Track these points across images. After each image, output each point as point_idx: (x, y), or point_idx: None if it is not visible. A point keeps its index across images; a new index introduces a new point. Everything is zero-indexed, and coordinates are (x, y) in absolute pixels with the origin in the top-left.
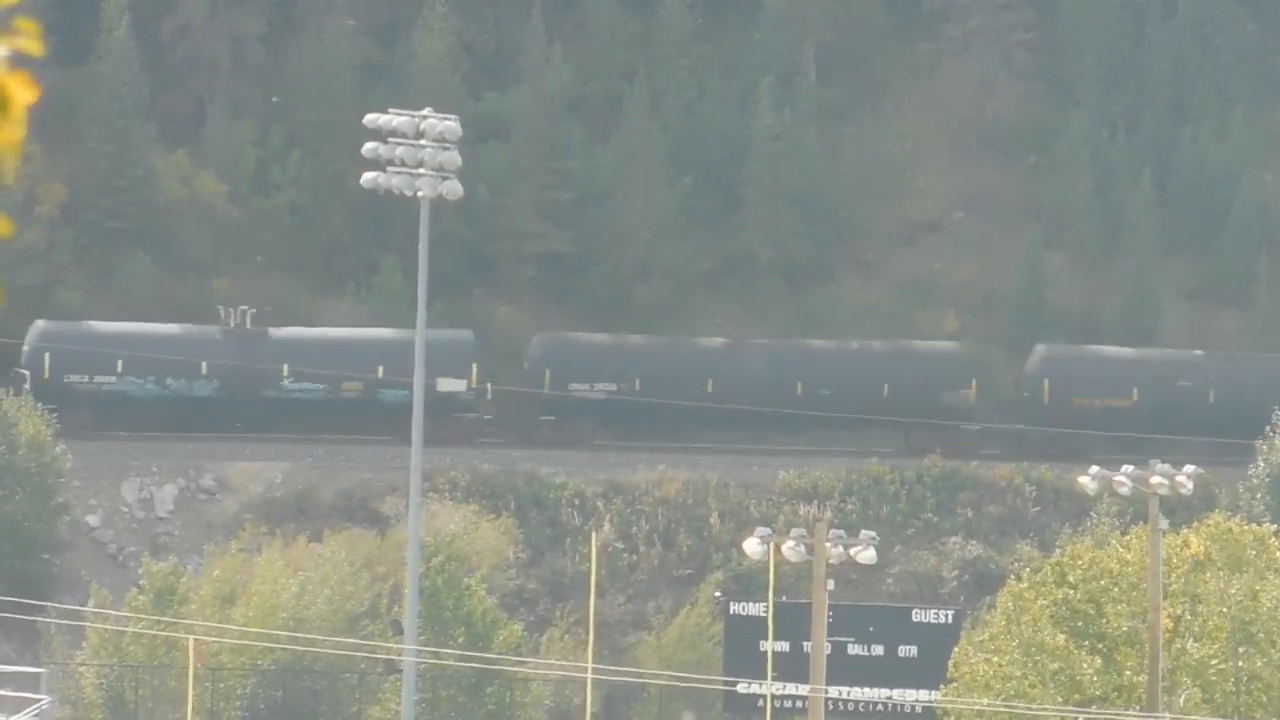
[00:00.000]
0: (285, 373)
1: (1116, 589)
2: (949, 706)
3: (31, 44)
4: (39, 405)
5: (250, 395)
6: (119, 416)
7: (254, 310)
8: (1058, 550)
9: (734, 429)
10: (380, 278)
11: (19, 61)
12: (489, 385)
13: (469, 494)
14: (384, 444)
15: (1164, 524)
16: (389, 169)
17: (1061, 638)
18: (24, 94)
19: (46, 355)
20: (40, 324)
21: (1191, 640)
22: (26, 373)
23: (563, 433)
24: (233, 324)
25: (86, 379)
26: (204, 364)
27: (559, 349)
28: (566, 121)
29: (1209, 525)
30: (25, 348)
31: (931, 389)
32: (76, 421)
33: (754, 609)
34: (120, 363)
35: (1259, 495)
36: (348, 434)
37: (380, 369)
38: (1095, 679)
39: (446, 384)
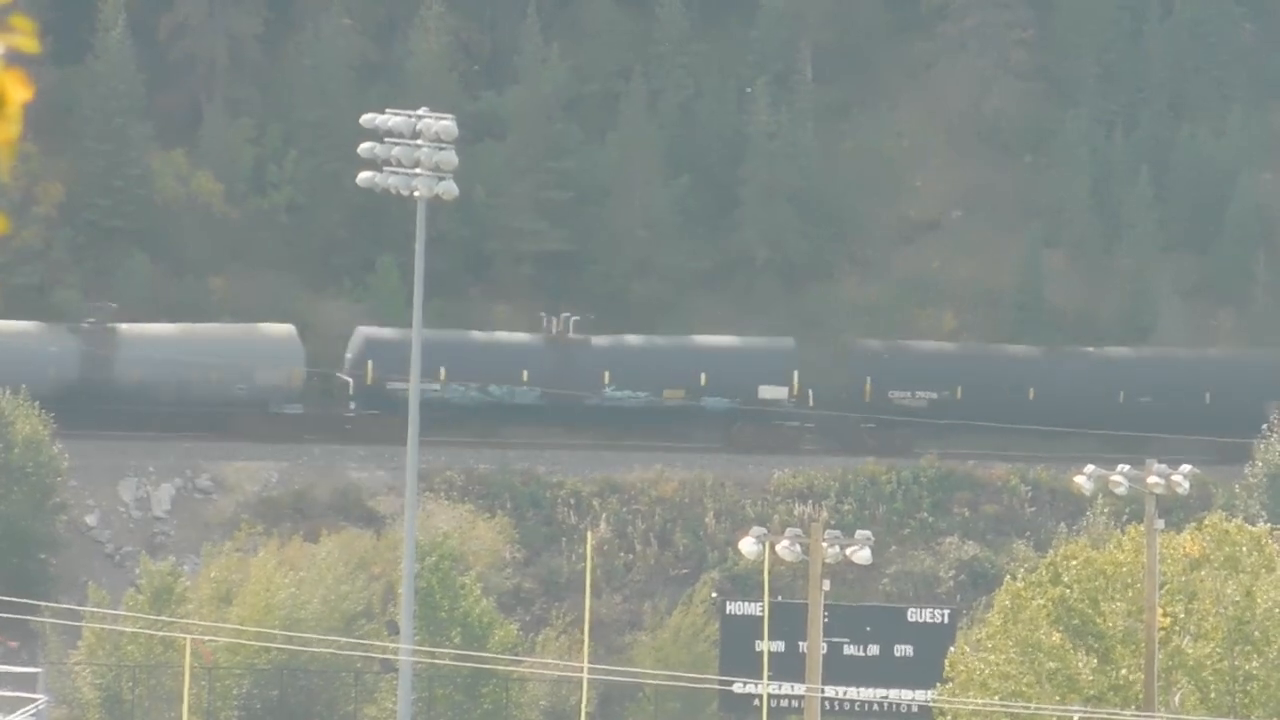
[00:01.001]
0: (607, 380)
1: (1113, 588)
2: (945, 706)
3: (27, 41)
4: (372, 411)
5: (572, 402)
6: (441, 423)
7: (576, 317)
8: (1051, 550)
9: (1055, 438)
10: (377, 277)
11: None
12: (810, 392)
13: (465, 493)
14: (382, 443)
15: (1160, 524)
16: (385, 168)
17: (1058, 637)
18: (19, 92)
19: (369, 362)
20: (363, 330)
21: (1188, 639)
22: (350, 380)
23: (883, 441)
24: (554, 331)
25: (407, 385)
26: (525, 371)
27: (882, 357)
28: (563, 120)
29: (1206, 525)
30: (348, 355)
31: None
32: (401, 429)
33: (750, 609)
34: (443, 370)
35: (1255, 495)
36: (670, 441)
37: (702, 376)
38: (1091, 678)
39: (768, 391)
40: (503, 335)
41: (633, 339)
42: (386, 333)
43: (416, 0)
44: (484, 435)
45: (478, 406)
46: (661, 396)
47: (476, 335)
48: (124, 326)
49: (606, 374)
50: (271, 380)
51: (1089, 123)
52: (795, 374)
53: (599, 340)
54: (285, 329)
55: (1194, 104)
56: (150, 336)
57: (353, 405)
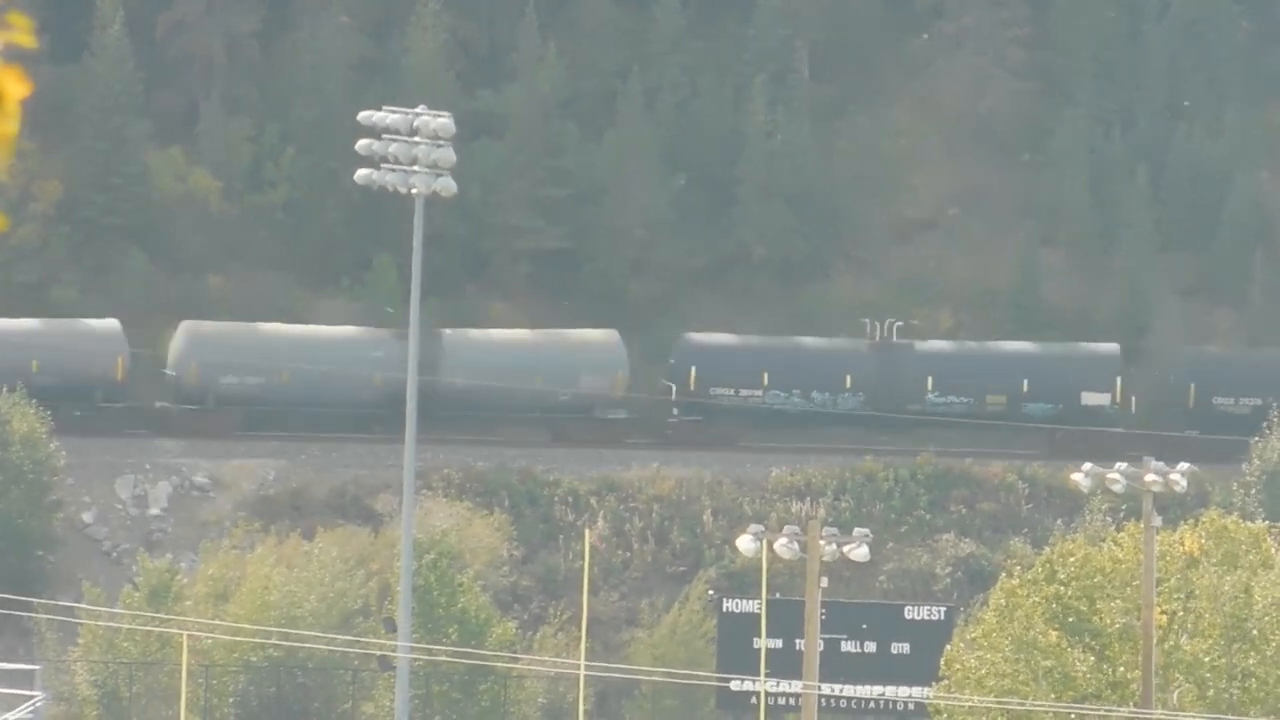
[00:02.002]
0: (929, 386)
1: (1109, 586)
2: (941, 704)
3: (24, 37)
4: (695, 418)
5: (894, 408)
6: (765, 429)
7: (899, 323)
8: (1047, 548)
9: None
10: (374, 274)
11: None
12: (1133, 398)
13: (462, 491)
14: (380, 442)
15: (1157, 521)
16: (383, 166)
17: (1054, 634)
18: (17, 88)
19: (693, 368)
20: (689, 337)
21: (1185, 637)
22: (672, 385)
23: (1205, 449)
24: (878, 337)
25: (732, 392)
26: (848, 377)
27: (1207, 364)
28: (560, 119)
29: (1204, 522)
30: (671, 361)
31: None
32: (721, 434)
33: (747, 606)
34: (767, 375)
35: (1253, 493)
36: (988, 446)
37: (1024, 382)
38: (1088, 676)
39: (1091, 397)
40: (826, 341)
41: (953, 345)
42: (712, 339)
43: None
44: (483, 433)
45: (800, 413)
46: (984, 402)
47: (803, 341)
48: (448, 332)
49: (930, 379)
50: (596, 386)
51: (1086, 121)
52: (1118, 380)
53: (922, 346)
54: (609, 335)
55: (1191, 102)
56: (474, 342)
57: (675, 411)
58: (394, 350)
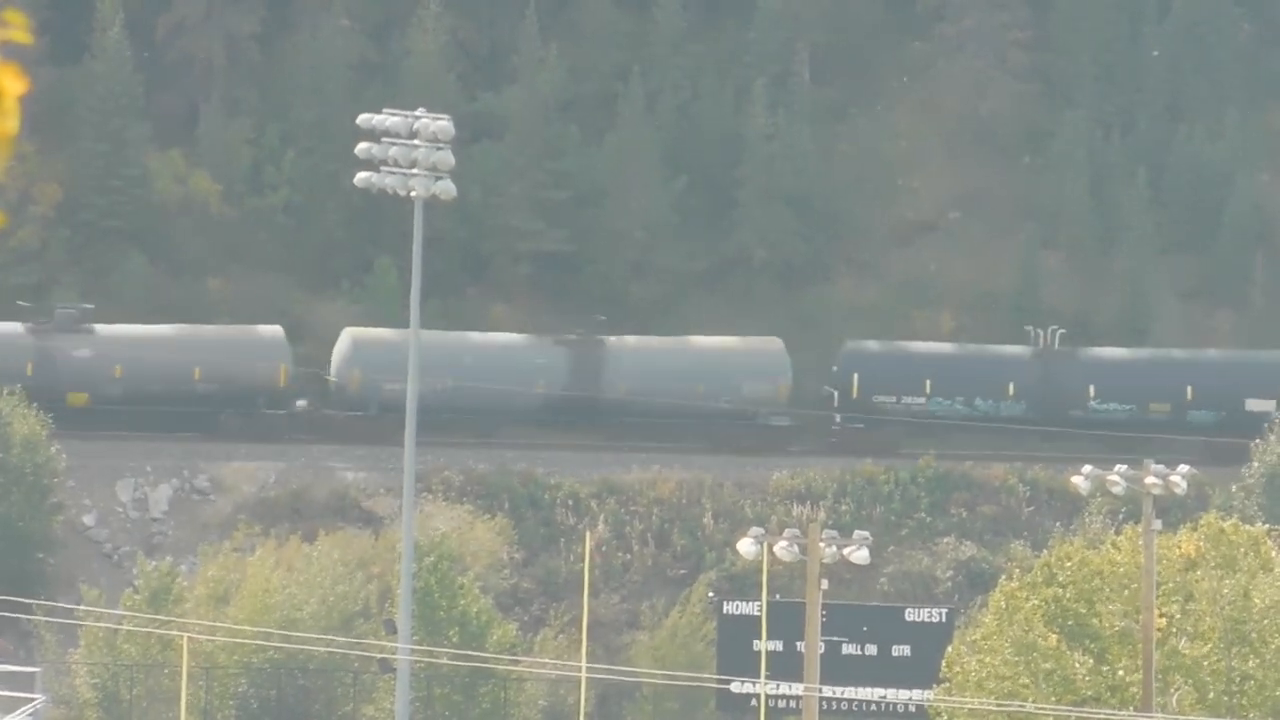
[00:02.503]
0: (1092, 393)
1: (1108, 589)
2: (942, 706)
3: (21, 34)
4: (857, 425)
5: (1057, 415)
6: (927, 436)
7: (1063, 330)
8: (1046, 550)
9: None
10: (374, 277)
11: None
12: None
13: (463, 494)
14: (378, 444)
15: (1158, 524)
16: (383, 169)
17: (1053, 637)
18: (15, 85)
19: (855, 375)
20: (853, 345)
21: (1184, 640)
22: (834, 391)
23: None
24: (1041, 344)
25: (894, 399)
26: (1011, 384)
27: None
28: (561, 121)
29: (1203, 525)
30: (834, 368)
31: None
32: (884, 441)
33: (748, 608)
34: (929, 383)
35: (1253, 496)
36: (1150, 453)
37: (1189, 390)
38: (1087, 678)
39: (1256, 404)
40: (990, 349)
41: (1118, 352)
42: (875, 346)
43: (414, 0)
44: (483, 436)
45: (963, 420)
46: (1147, 410)
47: (966, 348)
48: (611, 339)
49: (1092, 387)
50: (759, 393)
51: (1086, 124)
52: None
53: (1085, 352)
54: (773, 342)
55: (1191, 105)
56: (637, 349)
57: (838, 418)
58: (556, 357)
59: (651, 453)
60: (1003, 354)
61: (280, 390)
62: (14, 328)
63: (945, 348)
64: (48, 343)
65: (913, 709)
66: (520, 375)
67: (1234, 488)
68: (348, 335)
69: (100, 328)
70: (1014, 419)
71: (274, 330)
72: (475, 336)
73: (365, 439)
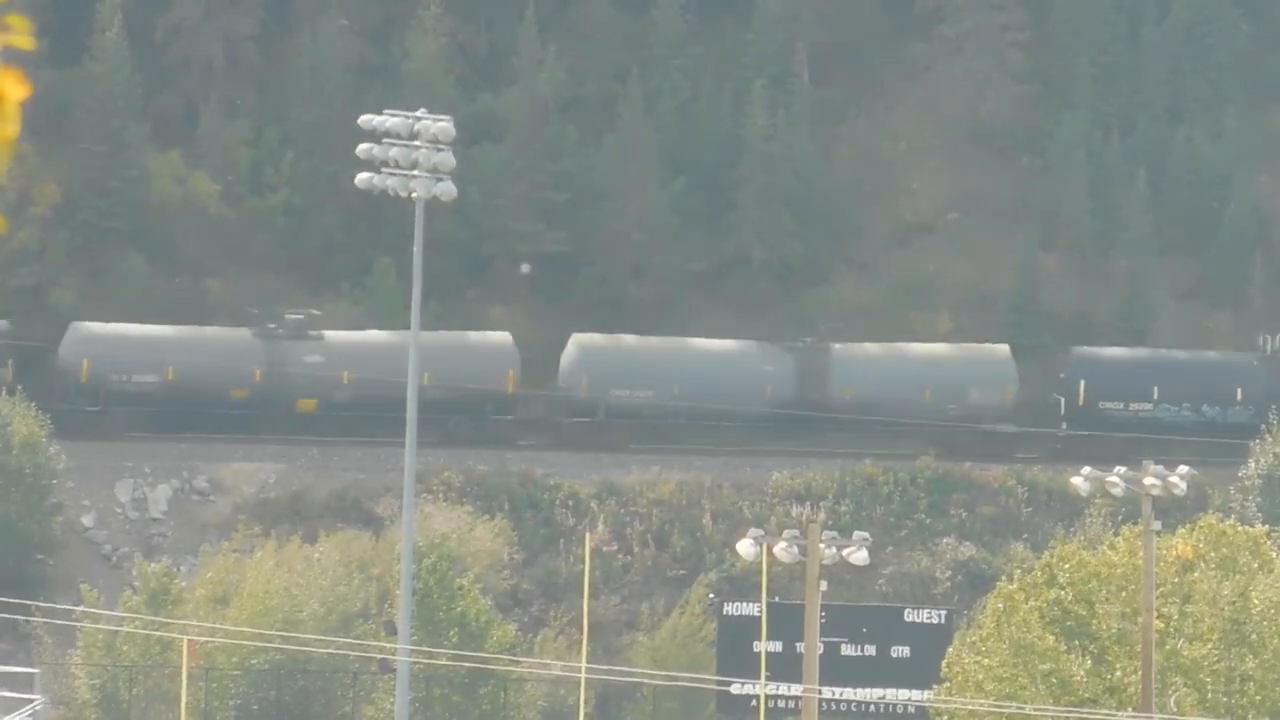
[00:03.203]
0: None
1: (1106, 590)
2: (941, 707)
3: (23, 40)
4: (1081, 432)
5: None
6: (1155, 443)
7: None
8: (1046, 552)
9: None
10: (374, 279)
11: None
12: None
13: (463, 495)
14: (378, 445)
15: (1157, 525)
16: (383, 170)
17: (1052, 639)
18: (17, 90)
19: (1082, 382)
20: (1079, 351)
21: (1183, 641)
22: (1060, 399)
23: None
24: (1269, 350)
25: (1121, 406)
26: (1239, 390)
27: None
28: (560, 122)
29: (1201, 526)
30: (1061, 375)
31: None
32: (1110, 447)
33: (747, 609)
34: (1157, 389)
35: (1252, 496)
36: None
37: None
38: (1086, 680)
39: None
40: (1218, 355)
41: None
42: (1102, 353)
43: (414, 1)
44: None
45: (1192, 426)
46: None
47: (1194, 354)
48: (837, 346)
49: None
50: (985, 399)
51: (1085, 125)
52: None
53: None
54: (1000, 350)
55: (1191, 106)
56: (863, 355)
57: (1064, 425)
58: (784, 364)
59: (651, 453)
60: (1231, 360)
61: (508, 397)
62: (242, 334)
63: (1173, 354)
64: (277, 349)
65: (912, 710)
66: (748, 382)
67: (1231, 489)
68: (575, 342)
69: (330, 334)
70: (1241, 425)
71: (503, 336)
72: (700, 343)
73: (591, 445)
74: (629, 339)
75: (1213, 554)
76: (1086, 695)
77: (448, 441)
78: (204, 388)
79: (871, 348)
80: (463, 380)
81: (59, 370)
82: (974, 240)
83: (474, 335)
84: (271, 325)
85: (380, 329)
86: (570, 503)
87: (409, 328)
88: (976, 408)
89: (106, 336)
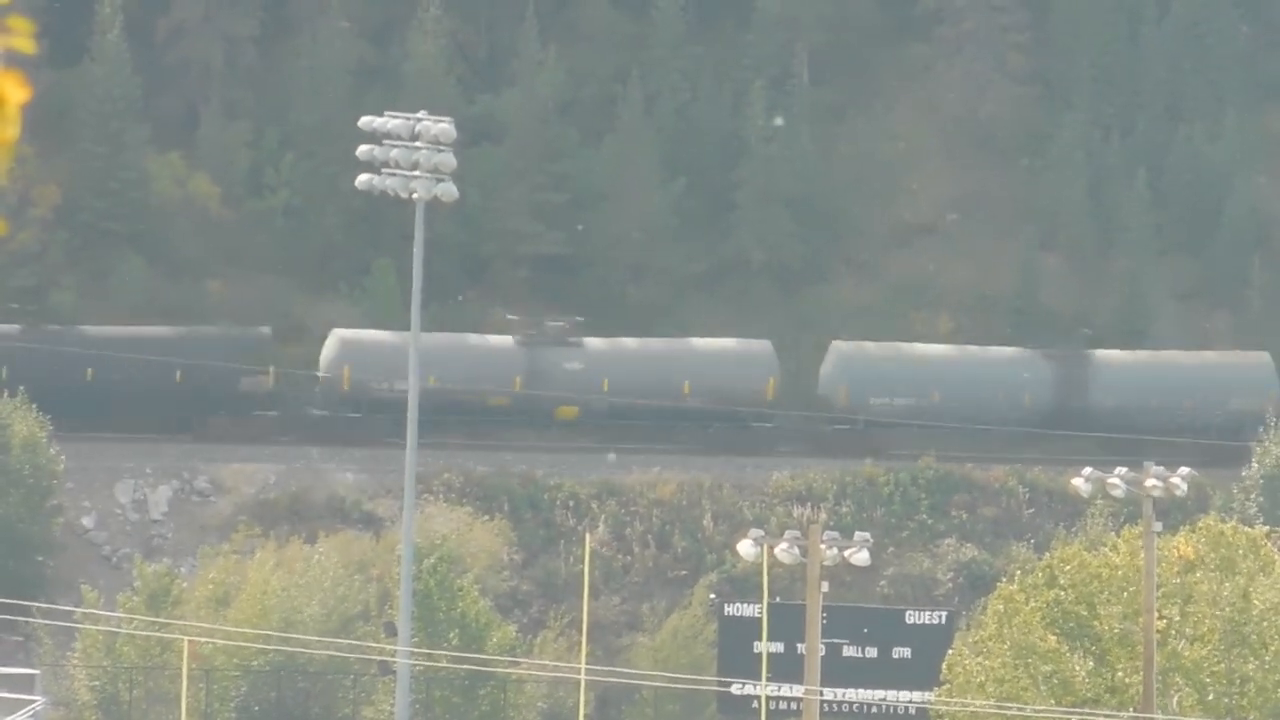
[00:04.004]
0: None
1: (1107, 591)
2: (943, 708)
3: (24, 42)
4: None
5: None
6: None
7: None
8: (1048, 553)
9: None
10: (374, 280)
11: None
12: None
13: (463, 496)
14: (378, 446)
15: (1158, 526)
16: (383, 171)
17: (1053, 639)
18: (17, 93)
19: None
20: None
21: (1184, 642)
22: None
23: None
24: None
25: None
26: None
27: None
28: (560, 123)
29: (1201, 528)
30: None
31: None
32: None
33: (748, 610)
34: None
35: (1253, 496)
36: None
37: None
38: (1087, 681)
39: None
40: None
41: None
42: None
43: (414, 3)
44: (480, 437)
45: None
46: None
47: None
48: (1098, 353)
49: None
50: (1247, 407)
51: (1085, 126)
52: None
53: None
54: (1260, 356)
55: (1190, 107)
56: (1124, 363)
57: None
58: (1042, 371)
59: (651, 454)
60: None
61: (766, 405)
62: (505, 341)
63: None
64: (538, 356)
65: (913, 711)
66: (1007, 388)
67: (1233, 489)
68: (835, 349)
69: (590, 341)
70: None
71: (763, 345)
72: (961, 350)
73: (848, 453)
74: (888, 347)
75: (1212, 555)
76: (1088, 696)
77: (705, 449)
78: (465, 395)
79: (1133, 355)
80: (721, 388)
81: (321, 378)
82: (974, 241)
83: (733, 343)
84: (533, 332)
85: (646, 336)
86: (570, 503)
87: (671, 335)
88: (1239, 415)
89: (368, 344)
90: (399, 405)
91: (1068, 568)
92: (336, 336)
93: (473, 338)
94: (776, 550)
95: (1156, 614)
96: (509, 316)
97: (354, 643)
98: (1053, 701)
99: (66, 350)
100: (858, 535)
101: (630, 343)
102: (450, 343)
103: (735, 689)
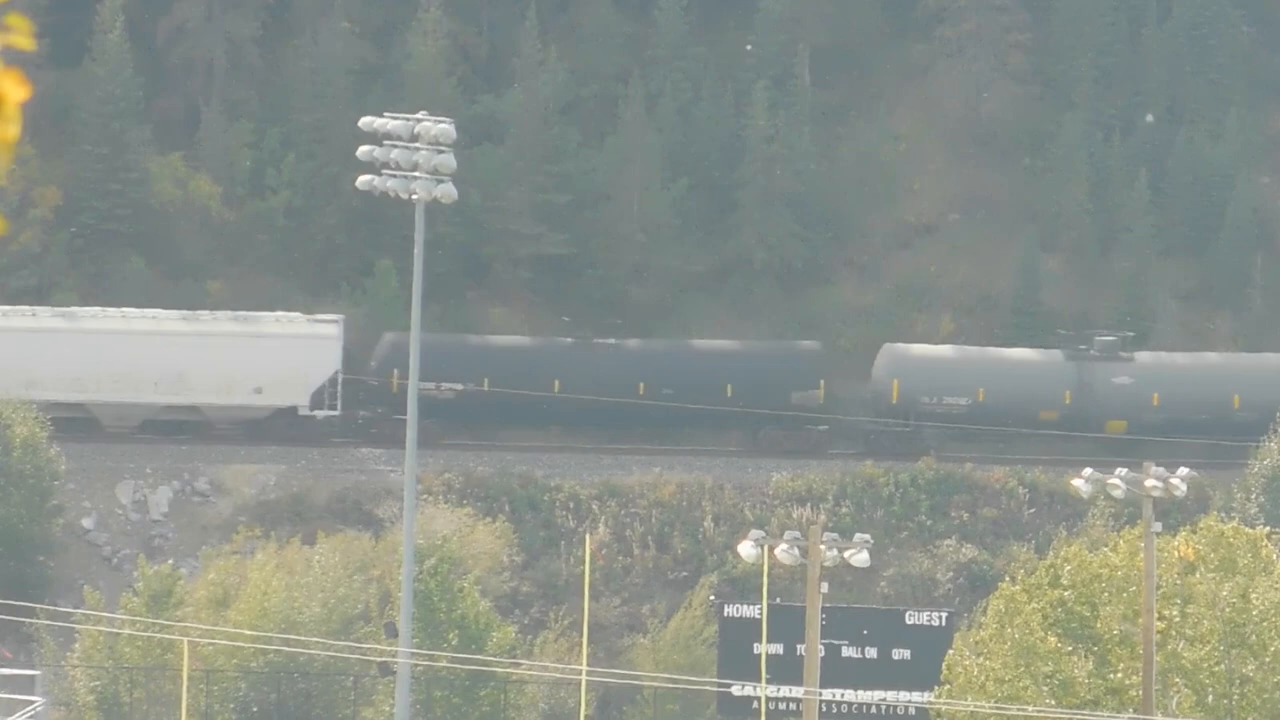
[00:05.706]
0: None
1: (1108, 592)
2: (943, 709)
3: (23, 40)
4: None
5: None
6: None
7: None
8: (1050, 554)
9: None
10: (375, 280)
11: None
12: None
13: (463, 496)
14: (381, 447)
15: (1158, 526)
16: (384, 172)
17: (1053, 640)
18: (18, 91)
19: None
20: None
21: (1184, 643)
22: None
23: None
24: None
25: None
26: None
27: None
28: (561, 124)
29: (1201, 528)
30: None
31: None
32: None
33: (748, 611)
34: None
35: (1253, 497)
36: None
37: None
38: (1087, 681)
39: None
40: None
41: None
42: None
43: (414, 3)
44: (481, 437)
45: None
46: None
47: None
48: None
49: None
50: None
51: (1086, 126)
52: None
53: None
54: None
55: (1191, 107)
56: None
57: None
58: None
59: (650, 454)
60: None
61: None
62: (1054, 355)
63: None
64: (1088, 371)
65: (913, 712)
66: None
67: (1234, 490)
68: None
69: (1140, 355)
70: None
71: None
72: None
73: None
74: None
75: (1212, 555)
76: (1088, 697)
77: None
78: (1013, 409)
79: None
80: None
81: (869, 390)
82: (975, 241)
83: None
84: (1083, 347)
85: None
86: (571, 504)
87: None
88: None
89: (919, 358)
90: (948, 419)
91: (1069, 568)
92: (887, 351)
93: (1020, 353)
94: (776, 551)
95: (1157, 614)
96: (1059, 331)
97: (354, 644)
98: (1053, 702)
99: None
100: (857, 536)
101: (1179, 357)
102: (999, 358)
103: (735, 690)
